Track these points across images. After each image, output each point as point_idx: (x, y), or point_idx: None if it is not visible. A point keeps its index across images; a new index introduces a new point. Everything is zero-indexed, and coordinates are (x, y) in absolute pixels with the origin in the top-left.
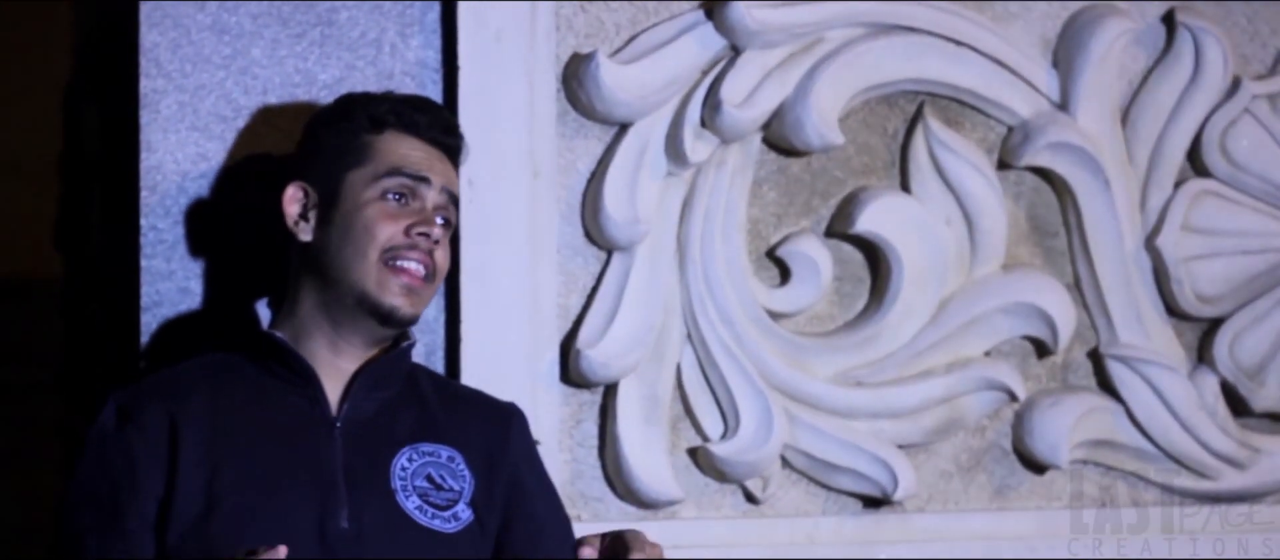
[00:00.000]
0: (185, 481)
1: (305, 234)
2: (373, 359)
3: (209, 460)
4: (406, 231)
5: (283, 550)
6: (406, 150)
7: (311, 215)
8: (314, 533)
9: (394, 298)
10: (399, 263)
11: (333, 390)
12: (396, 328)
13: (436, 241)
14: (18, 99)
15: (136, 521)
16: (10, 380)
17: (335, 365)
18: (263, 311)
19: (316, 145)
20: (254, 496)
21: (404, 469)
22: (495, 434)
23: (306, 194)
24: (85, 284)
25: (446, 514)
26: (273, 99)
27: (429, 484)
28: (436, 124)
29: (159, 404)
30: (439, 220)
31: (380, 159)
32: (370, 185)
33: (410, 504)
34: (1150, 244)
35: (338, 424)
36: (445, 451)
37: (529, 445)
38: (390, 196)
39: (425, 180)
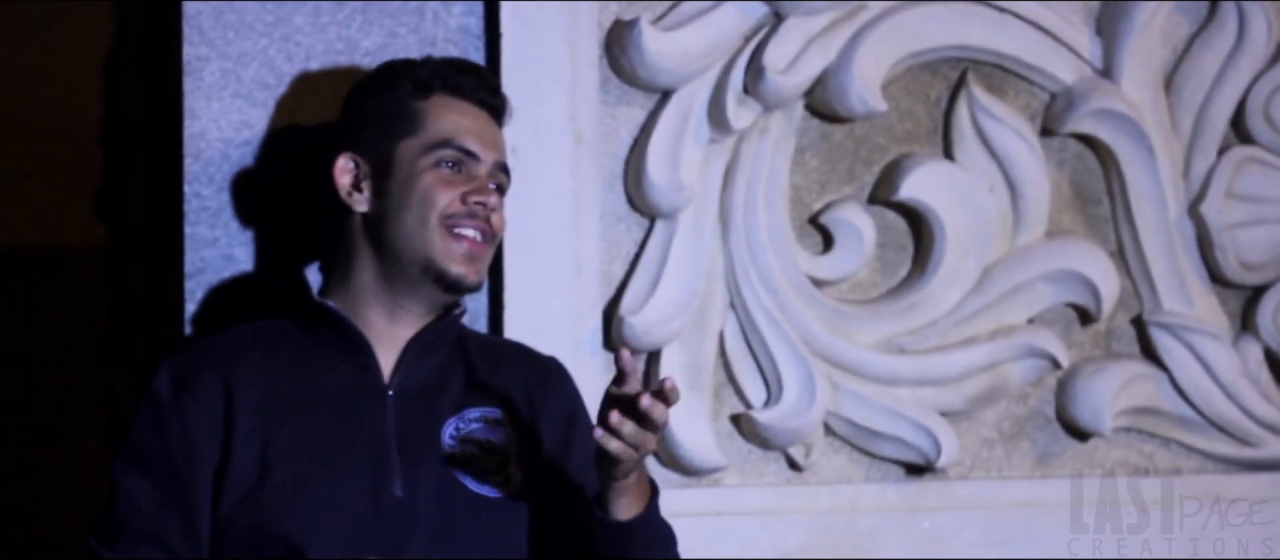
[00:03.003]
0: (240, 450)
1: (361, 205)
2: (426, 327)
3: (263, 428)
4: (463, 199)
5: None
6: (456, 117)
7: (365, 186)
8: (368, 501)
9: (459, 266)
10: (458, 230)
11: (384, 358)
12: (460, 294)
13: (493, 209)
14: (59, 67)
15: (196, 491)
16: (53, 350)
17: (390, 333)
18: (313, 277)
19: (362, 114)
20: (308, 465)
21: (453, 435)
22: (538, 390)
23: (357, 165)
24: (127, 252)
25: (497, 477)
26: (315, 66)
27: (478, 448)
28: (482, 86)
29: (213, 371)
30: (492, 186)
31: (431, 128)
32: (423, 155)
33: (461, 470)
34: (1194, 211)
35: (390, 392)
36: (492, 413)
37: (572, 399)
38: (444, 165)
39: (474, 156)
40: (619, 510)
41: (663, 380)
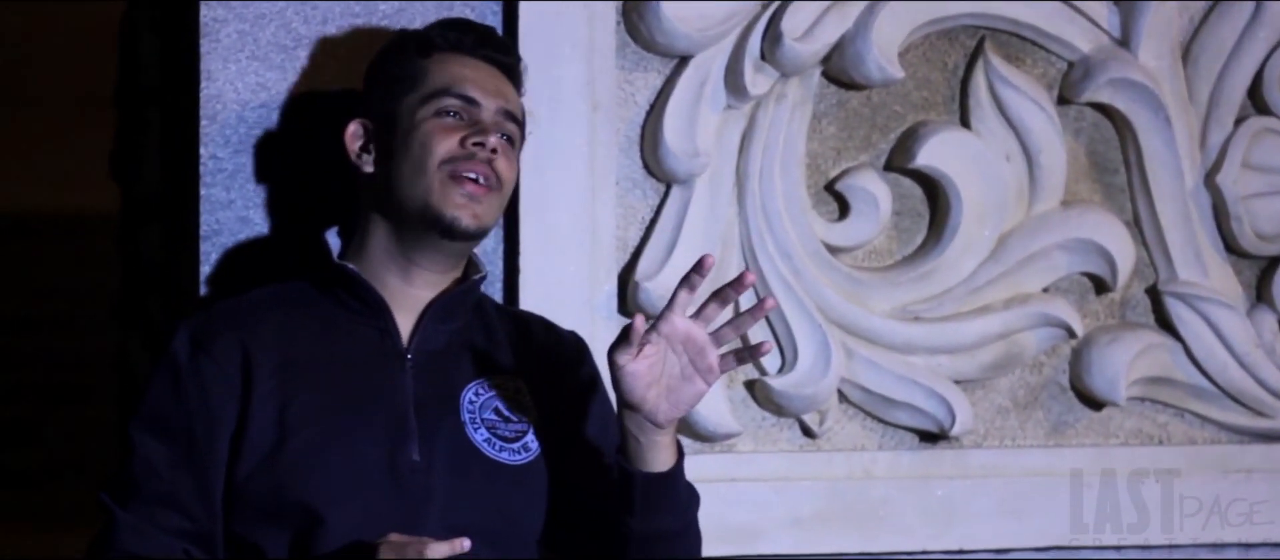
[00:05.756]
0: (257, 413)
1: (368, 166)
2: (445, 290)
3: (280, 392)
4: (462, 142)
5: (465, 543)
6: (457, 69)
7: (372, 147)
8: (385, 466)
9: (454, 209)
10: (459, 172)
11: (403, 322)
12: (461, 241)
13: (494, 150)
14: (72, 30)
15: (212, 455)
16: (66, 314)
17: (408, 295)
18: (332, 240)
19: (371, 81)
20: (325, 430)
21: (472, 401)
22: (559, 364)
23: (365, 128)
24: (141, 215)
25: (515, 446)
26: (332, 29)
27: (497, 416)
28: (485, 42)
29: (231, 333)
30: (497, 135)
31: (430, 80)
32: (422, 106)
33: (479, 436)
34: (1210, 181)
35: (409, 356)
36: (512, 383)
37: (593, 374)
38: (444, 114)
39: (475, 102)
40: (659, 462)
41: (763, 299)
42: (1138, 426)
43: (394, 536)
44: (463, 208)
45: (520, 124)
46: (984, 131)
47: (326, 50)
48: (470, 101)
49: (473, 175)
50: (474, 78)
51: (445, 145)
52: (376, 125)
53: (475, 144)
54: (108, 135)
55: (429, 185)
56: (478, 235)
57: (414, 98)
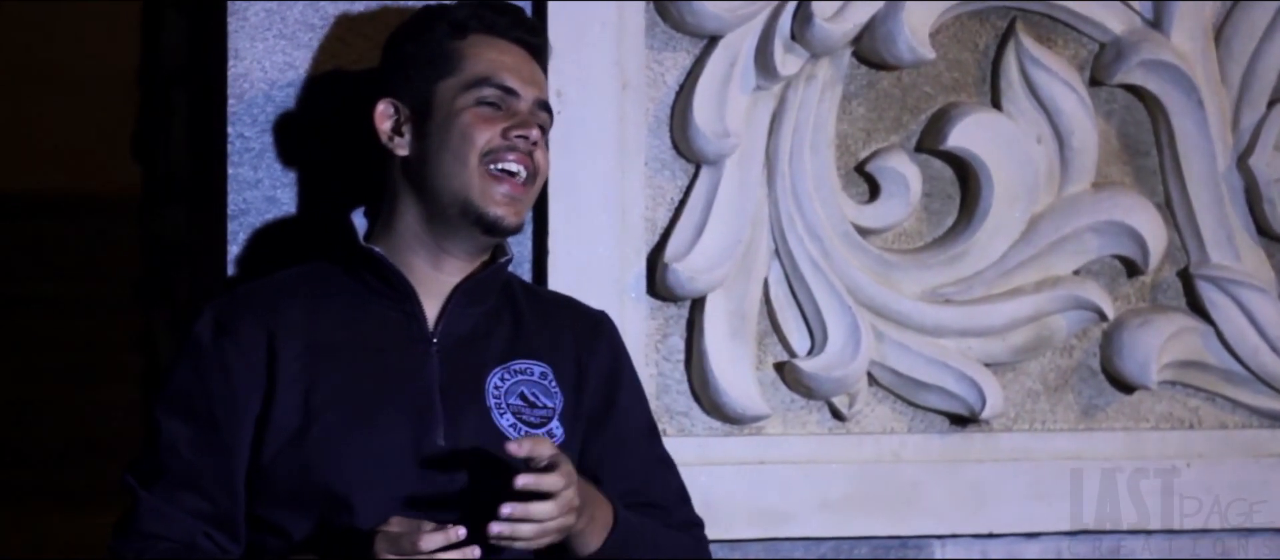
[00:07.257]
0: (282, 397)
1: (402, 149)
2: (471, 274)
3: (305, 375)
4: (504, 134)
5: (461, 531)
6: (494, 54)
7: (406, 129)
8: (410, 450)
9: (497, 207)
10: (500, 166)
11: (429, 306)
12: (500, 237)
13: (535, 143)
14: (95, 10)
15: (234, 438)
16: (90, 295)
17: (435, 279)
18: (359, 221)
19: (401, 59)
20: (351, 413)
21: (498, 387)
22: (585, 346)
23: (397, 109)
24: (164, 195)
25: (540, 431)
26: (360, 8)
27: (522, 402)
28: (518, 24)
29: (255, 317)
30: (536, 127)
31: (469, 66)
32: (462, 94)
33: (504, 421)
34: (1242, 164)
35: (434, 340)
36: (538, 368)
37: (618, 355)
38: (483, 103)
39: (514, 93)
40: (583, 548)
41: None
42: (1169, 410)
43: (394, 522)
44: (505, 206)
45: (550, 112)
46: (1015, 113)
47: (355, 28)
48: (510, 92)
49: (514, 168)
50: (512, 65)
51: (486, 136)
52: (410, 108)
53: (518, 136)
54: (131, 115)
55: (470, 181)
56: (518, 230)
57: (452, 83)
